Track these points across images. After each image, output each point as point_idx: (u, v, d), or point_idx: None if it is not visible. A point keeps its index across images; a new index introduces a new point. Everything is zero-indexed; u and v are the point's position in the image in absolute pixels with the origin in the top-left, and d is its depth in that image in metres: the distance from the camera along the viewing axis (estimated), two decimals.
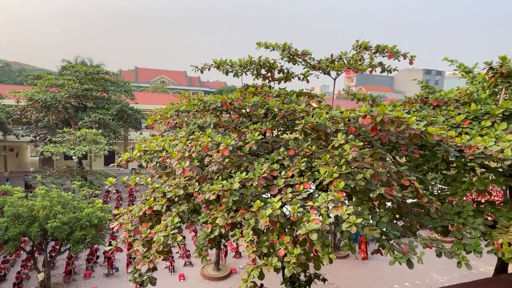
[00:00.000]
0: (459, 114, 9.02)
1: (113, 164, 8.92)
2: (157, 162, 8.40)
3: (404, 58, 9.41)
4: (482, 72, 9.70)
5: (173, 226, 6.70)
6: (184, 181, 7.64)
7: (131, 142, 34.84)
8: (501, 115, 8.52)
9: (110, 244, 7.61)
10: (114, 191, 28.07)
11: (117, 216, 8.14)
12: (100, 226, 14.40)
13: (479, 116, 8.79)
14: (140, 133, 33.25)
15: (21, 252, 17.33)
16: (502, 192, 20.99)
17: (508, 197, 9.95)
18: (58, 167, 27.96)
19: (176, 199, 7.50)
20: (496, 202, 9.86)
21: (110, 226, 7.84)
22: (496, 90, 9.96)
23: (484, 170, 9.22)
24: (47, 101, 26.56)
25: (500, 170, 8.62)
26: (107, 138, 26.74)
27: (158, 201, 7.36)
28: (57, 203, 14.00)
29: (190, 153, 7.56)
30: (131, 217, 7.67)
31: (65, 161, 32.27)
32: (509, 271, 11.37)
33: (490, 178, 9.15)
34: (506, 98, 9.36)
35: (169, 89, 70.62)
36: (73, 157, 23.82)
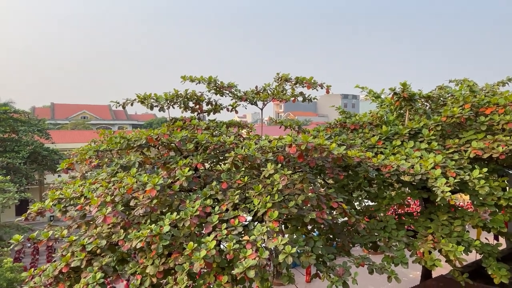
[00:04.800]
0: (373, 135, 9.89)
1: (20, 218, 7.73)
2: (74, 211, 7.50)
3: (322, 88, 10.15)
4: (388, 97, 10.87)
5: (95, 283, 5.93)
6: (107, 229, 6.92)
7: (48, 187, 31.26)
8: (408, 134, 9.55)
9: None
10: (29, 245, 24.51)
11: (28, 278, 6.98)
12: None
13: (390, 137, 9.73)
14: (59, 176, 30.05)
15: None
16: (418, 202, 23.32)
17: (424, 207, 11.00)
18: None
19: (99, 251, 6.72)
20: (414, 213, 10.84)
21: None
22: (401, 112, 11.20)
23: (401, 184, 10.12)
24: None
25: (414, 183, 9.55)
26: (18, 184, 23.61)
27: (76, 256, 6.50)
28: None
29: (113, 197, 6.92)
30: (45, 278, 6.64)
31: None
32: (433, 275, 12.42)
33: (407, 192, 10.07)
34: (410, 118, 10.56)
35: (92, 124, 66.02)
36: None
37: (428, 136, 9.21)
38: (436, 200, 7.33)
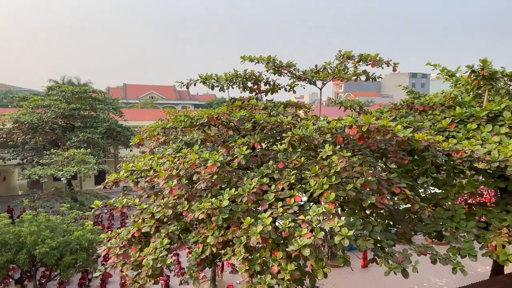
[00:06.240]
0: (445, 118, 9.08)
1: (99, 187, 8.71)
2: (145, 182, 8.23)
3: (388, 66, 9.50)
4: (465, 75, 9.83)
5: (162, 248, 6.52)
6: (173, 200, 7.48)
7: (121, 160, 34.41)
8: (486, 117, 8.60)
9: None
10: (106, 211, 27.54)
11: (106, 240, 7.92)
12: (91, 249, 14.05)
13: (464, 119, 8.86)
14: (130, 150, 32.87)
15: (10, 280, 16.76)
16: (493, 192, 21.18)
17: (500, 198, 9.98)
18: (47, 189, 27.40)
19: (165, 219, 7.33)
20: (488, 203, 9.90)
21: (98, 252, 7.63)
22: (479, 92, 10.09)
23: (474, 172, 9.26)
24: (33, 122, 26.15)
25: (489, 171, 8.67)
26: (97, 157, 26.34)
27: (146, 223, 7.17)
28: (45, 228, 13.63)
29: (178, 171, 7.42)
30: (120, 240, 7.46)
31: (54, 182, 31.60)
32: (506, 272, 11.36)
33: (480, 180, 9.19)
34: (490, 99, 9.47)
35: (159, 104, 70.37)
36: (62, 179, 23.37)
37: (510, 119, 8.21)
38: None
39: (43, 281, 14.85)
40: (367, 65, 9.87)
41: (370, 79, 10.30)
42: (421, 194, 9.83)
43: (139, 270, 6.85)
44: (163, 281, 16.45)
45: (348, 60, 10.08)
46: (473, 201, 9.89)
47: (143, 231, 7.19)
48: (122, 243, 7.46)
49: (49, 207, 23.08)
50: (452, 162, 8.55)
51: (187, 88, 11.40)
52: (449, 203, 8.88)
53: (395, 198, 7.39)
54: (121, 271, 7.13)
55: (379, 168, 9.33)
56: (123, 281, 16.05)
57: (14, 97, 33.18)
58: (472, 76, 9.23)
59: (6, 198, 31.67)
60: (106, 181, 8.59)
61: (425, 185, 10.38)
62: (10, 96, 40.29)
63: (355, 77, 10.12)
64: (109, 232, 8.04)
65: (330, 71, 10.38)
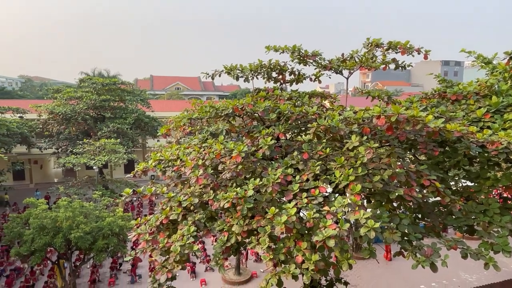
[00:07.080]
0: (479, 107, 8.65)
1: (129, 175, 9.04)
2: (172, 171, 8.45)
3: (418, 53, 9.10)
4: (503, 62, 9.28)
5: (189, 235, 6.71)
6: (199, 189, 7.65)
7: (149, 150, 35.41)
8: None
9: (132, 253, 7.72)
10: (135, 198, 28.58)
11: (135, 226, 8.24)
12: (121, 235, 14.67)
13: (501, 109, 8.41)
14: (158, 141, 33.75)
15: (48, 262, 17.86)
16: None
17: None
18: (80, 177, 28.75)
19: (192, 207, 7.52)
20: None
21: (129, 237, 7.97)
22: None
23: (510, 165, 8.80)
24: (67, 113, 27.38)
25: None
26: (126, 147, 27.28)
27: (174, 210, 7.39)
28: (80, 214, 14.37)
29: (204, 161, 7.56)
30: (149, 227, 7.74)
31: (87, 171, 33.14)
32: None
33: None
34: None
35: (184, 95, 71.45)
36: (94, 167, 24.42)
37: None
38: None
39: (77, 264, 15.72)
40: (396, 53, 9.49)
41: (400, 68, 9.94)
42: (452, 187, 9.47)
43: (167, 256, 7.10)
44: (189, 267, 16.97)
45: (377, 48, 9.75)
46: (509, 195, 9.42)
47: (170, 218, 7.42)
48: (151, 230, 7.73)
49: (83, 194, 24.27)
50: (486, 154, 8.16)
51: (212, 79, 11.50)
52: (482, 196, 8.50)
53: (424, 191, 7.17)
54: (150, 256, 7.42)
55: (408, 160, 9.07)
56: (152, 266, 16.71)
57: (49, 89, 34.78)
58: (510, 63, 8.71)
59: (43, 185, 33.58)
60: (135, 170, 8.89)
61: (457, 178, 9.98)
62: (45, 88, 42.29)
63: (384, 65, 9.79)
64: (139, 219, 8.35)
65: (357, 60, 10.10)
